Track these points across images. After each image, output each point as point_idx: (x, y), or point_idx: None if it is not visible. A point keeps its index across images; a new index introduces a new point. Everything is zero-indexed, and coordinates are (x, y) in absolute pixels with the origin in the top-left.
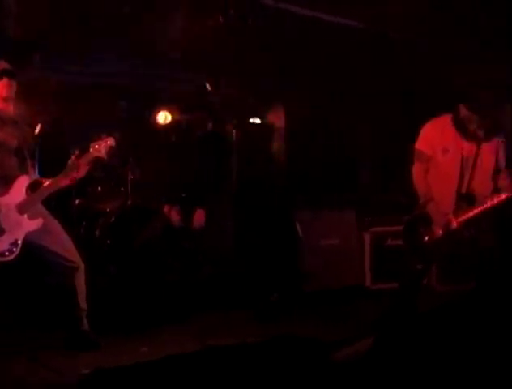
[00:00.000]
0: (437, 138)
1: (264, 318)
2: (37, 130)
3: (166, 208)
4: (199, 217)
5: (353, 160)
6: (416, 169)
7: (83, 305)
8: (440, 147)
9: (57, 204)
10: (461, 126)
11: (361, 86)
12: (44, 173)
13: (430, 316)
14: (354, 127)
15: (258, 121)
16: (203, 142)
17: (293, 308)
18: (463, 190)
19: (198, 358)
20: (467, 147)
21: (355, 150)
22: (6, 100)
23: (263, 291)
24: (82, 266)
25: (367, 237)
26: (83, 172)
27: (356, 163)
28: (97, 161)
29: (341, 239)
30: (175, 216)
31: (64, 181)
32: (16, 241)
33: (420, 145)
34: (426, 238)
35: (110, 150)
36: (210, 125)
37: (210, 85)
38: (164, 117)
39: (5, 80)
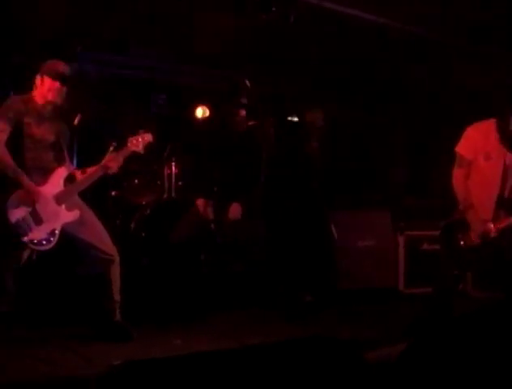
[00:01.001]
0: (480, 142)
1: (296, 318)
2: (76, 122)
3: (200, 202)
4: (235, 210)
5: (387, 160)
6: (457, 174)
7: (117, 296)
8: (482, 152)
9: (93, 196)
10: (504, 132)
11: (398, 86)
12: (80, 165)
13: (464, 322)
14: (390, 128)
15: (295, 119)
16: (241, 138)
17: (325, 307)
18: (504, 197)
19: (235, 356)
20: (510, 153)
21: (389, 150)
22: (49, 103)
23: (295, 291)
24: (117, 258)
25: (401, 240)
26: (118, 165)
27: (390, 163)
28: (134, 155)
29: (377, 240)
30: (208, 210)
31: (100, 173)
32: (54, 230)
33: (461, 149)
34: (462, 243)
35: (148, 145)
36: (248, 122)
37: (249, 82)
38: (202, 112)
39: (56, 84)
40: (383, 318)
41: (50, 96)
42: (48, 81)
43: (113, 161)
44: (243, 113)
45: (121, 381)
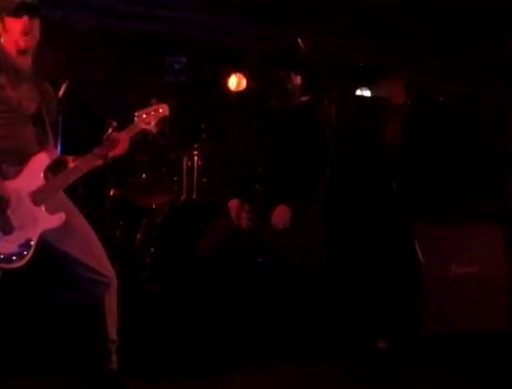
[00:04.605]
0: None
1: (364, 373)
2: (62, 91)
3: (233, 205)
4: (281, 215)
5: (499, 154)
6: None
7: (113, 335)
8: None
9: (85, 196)
10: None
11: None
12: (68, 151)
13: None
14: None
15: (367, 93)
16: (292, 118)
17: (406, 358)
18: None
19: None
20: None
21: (503, 141)
22: (24, 52)
23: (366, 334)
24: (114, 283)
25: None
26: (122, 150)
27: (504, 159)
28: (144, 137)
29: (482, 266)
30: (245, 217)
31: (96, 162)
32: (28, 241)
33: None
34: None
35: (162, 123)
36: (301, 95)
37: (303, 43)
38: (236, 82)
39: (24, 20)
40: (490, 378)
41: (22, 43)
42: (10, 22)
43: (113, 145)
44: (297, 80)
45: None
